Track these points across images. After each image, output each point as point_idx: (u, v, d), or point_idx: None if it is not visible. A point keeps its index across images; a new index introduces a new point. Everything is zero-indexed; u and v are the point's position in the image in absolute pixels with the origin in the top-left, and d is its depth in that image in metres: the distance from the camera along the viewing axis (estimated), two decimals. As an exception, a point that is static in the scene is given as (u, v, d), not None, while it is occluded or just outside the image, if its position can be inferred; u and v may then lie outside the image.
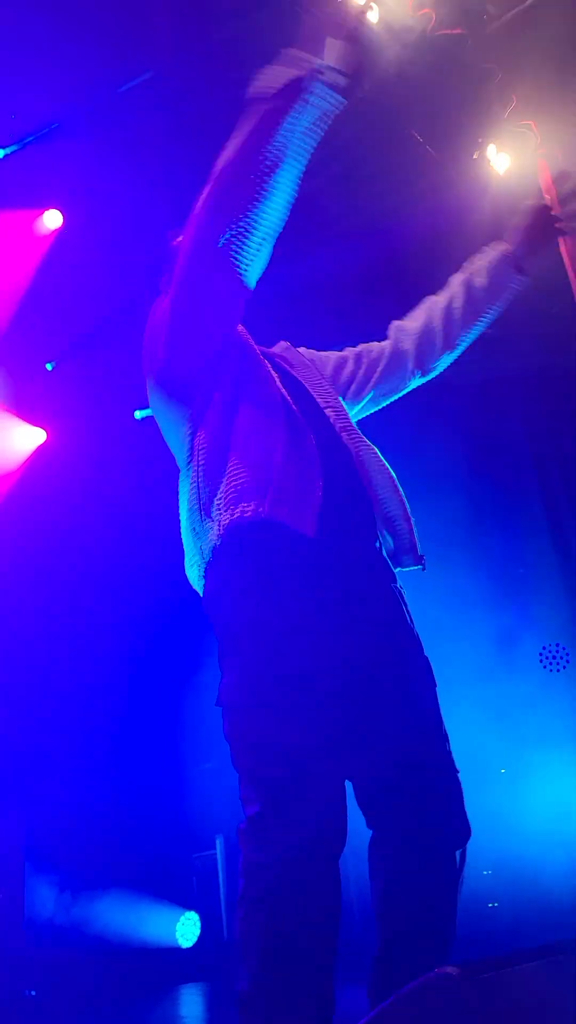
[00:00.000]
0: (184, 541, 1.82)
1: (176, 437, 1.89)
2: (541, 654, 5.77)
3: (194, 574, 1.82)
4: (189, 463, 1.80)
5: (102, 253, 5.24)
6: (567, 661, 5.72)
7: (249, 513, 1.65)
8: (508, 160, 4.31)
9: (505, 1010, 1.17)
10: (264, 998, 1.43)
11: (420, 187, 4.73)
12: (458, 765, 1.78)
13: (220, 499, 1.69)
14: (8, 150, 4.76)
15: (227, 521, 1.66)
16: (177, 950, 6.11)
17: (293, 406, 1.85)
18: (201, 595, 1.81)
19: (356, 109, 1.86)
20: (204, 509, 1.71)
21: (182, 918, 6.21)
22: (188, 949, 6.14)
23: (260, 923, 1.46)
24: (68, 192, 5.11)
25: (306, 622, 1.62)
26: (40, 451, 5.94)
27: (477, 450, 6.28)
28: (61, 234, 5.18)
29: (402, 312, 2.48)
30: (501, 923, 5.18)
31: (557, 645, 5.76)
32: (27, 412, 5.87)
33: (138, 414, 6.24)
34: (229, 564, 1.69)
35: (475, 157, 4.36)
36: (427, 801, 1.67)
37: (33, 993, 4.40)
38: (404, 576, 1.95)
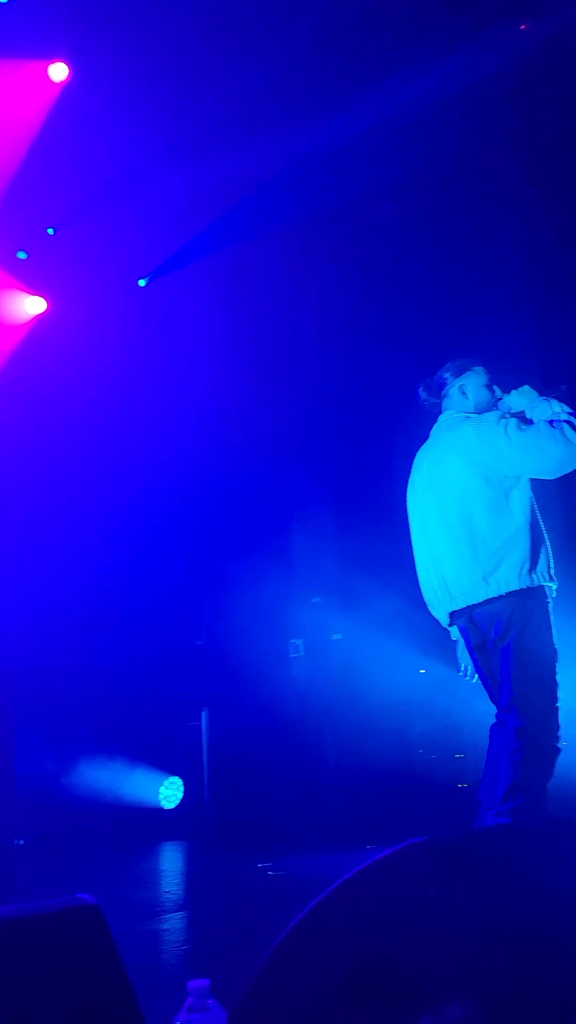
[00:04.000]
0: (495, 551, 2.93)
1: (501, 489, 2.98)
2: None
3: (510, 582, 2.95)
4: (515, 522, 2.96)
5: (109, 111, 4.96)
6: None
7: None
8: None
9: (468, 874, 1.25)
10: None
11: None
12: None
13: (541, 566, 2.98)
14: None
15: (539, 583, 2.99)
16: (160, 811, 6.41)
17: None
18: (499, 594, 2.95)
19: None
20: (532, 562, 2.94)
21: (166, 782, 6.49)
22: (170, 811, 6.44)
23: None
24: (76, 44, 4.79)
25: None
26: (40, 320, 5.74)
27: None
28: (67, 88, 4.89)
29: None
30: (471, 802, 5.41)
31: None
32: (27, 279, 5.66)
33: (141, 282, 6.02)
34: (538, 603, 2.98)
35: None
36: None
37: (21, 842, 4.64)
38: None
